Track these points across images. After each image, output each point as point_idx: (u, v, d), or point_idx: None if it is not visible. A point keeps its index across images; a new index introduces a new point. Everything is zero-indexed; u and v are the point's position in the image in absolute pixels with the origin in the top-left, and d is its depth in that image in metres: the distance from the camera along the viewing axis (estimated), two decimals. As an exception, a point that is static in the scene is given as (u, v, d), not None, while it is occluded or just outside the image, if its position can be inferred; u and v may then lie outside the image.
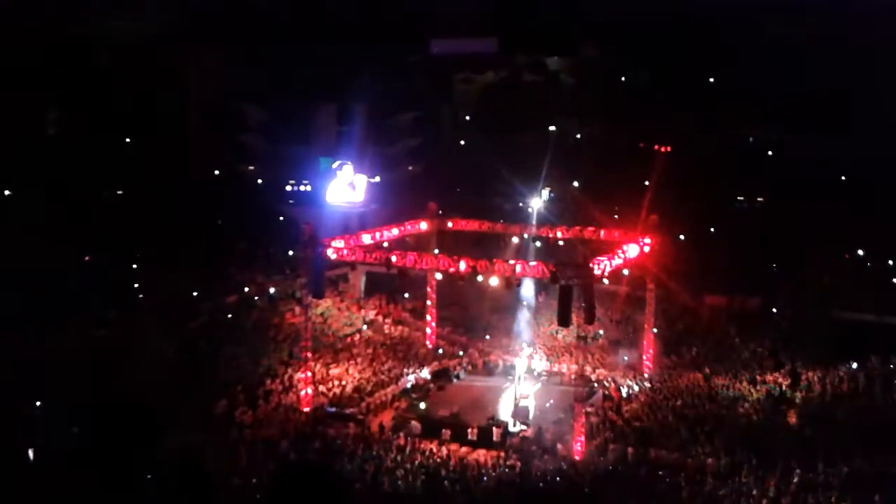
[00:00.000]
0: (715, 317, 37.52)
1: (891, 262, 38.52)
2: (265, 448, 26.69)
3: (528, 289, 37.52)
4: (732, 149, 51.61)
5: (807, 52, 49.96)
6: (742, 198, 48.69)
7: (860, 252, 39.83)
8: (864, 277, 38.05)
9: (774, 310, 37.29)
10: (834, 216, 39.52)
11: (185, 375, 29.65)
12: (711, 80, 58.24)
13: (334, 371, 33.73)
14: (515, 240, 38.11)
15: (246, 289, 38.67)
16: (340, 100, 52.57)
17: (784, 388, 31.11)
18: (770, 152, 51.64)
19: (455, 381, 34.68)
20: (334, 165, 48.40)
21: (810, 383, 31.15)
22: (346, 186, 48.44)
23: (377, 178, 51.00)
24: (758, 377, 32.23)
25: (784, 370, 32.55)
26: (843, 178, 45.44)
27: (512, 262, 30.72)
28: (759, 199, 48.37)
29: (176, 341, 32.64)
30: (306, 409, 30.49)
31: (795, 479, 24.18)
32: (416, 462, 26.55)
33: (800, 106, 49.26)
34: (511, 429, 29.28)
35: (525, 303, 38.43)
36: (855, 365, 31.73)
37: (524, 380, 32.85)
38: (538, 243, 37.46)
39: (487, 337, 38.33)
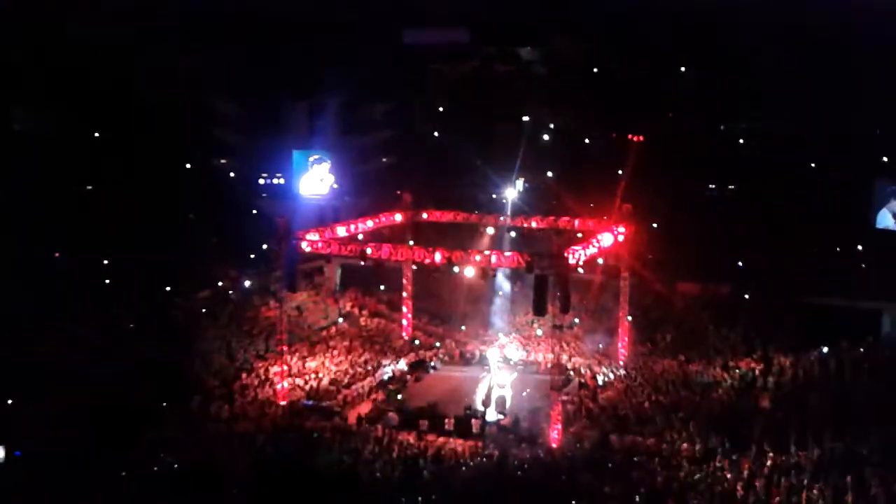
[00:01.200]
0: (688, 304, 37.94)
1: (860, 247, 39.16)
2: (242, 443, 26.65)
3: (503, 279, 37.77)
4: (704, 137, 52.12)
5: (777, 41, 50.55)
6: (713, 186, 49.19)
7: (830, 237, 40.37)
8: (834, 262, 38.64)
9: (746, 296, 37.77)
10: (803, 202, 40.09)
11: (160, 372, 29.45)
12: (683, 69, 58.72)
13: (310, 364, 33.68)
14: (490, 230, 38.19)
15: (220, 283, 38.46)
16: (313, 92, 52.27)
17: (757, 373, 31.59)
18: (741, 140, 52.16)
19: (432, 371, 34.75)
20: (311, 159, 48.23)
21: (782, 368, 31.66)
22: (319, 179, 48.34)
23: (352, 171, 50.85)
24: (731, 363, 32.70)
25: (756, 355, 33.05)
26: (812, 164, 46.05)
27: (487, 252, 30.92)
28: (730, 186, 48.89)
29: (150, 337, 32.43)
30: (283, 403, 30.44)
31: (769, 462, 24.61)
32: (394, 453, 26.63)
33: (770, 94, 49.86)
34: (488, 418, 29.42)
35: (501, 293, 38.64)
36: (826, 349, 32.25)
37: (501, 369, 33.06)
38: (513, 233, 37.61)
39: (463, 327, 38.44)
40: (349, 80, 50.97)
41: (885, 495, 22.34)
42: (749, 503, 23.01)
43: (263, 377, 31.72)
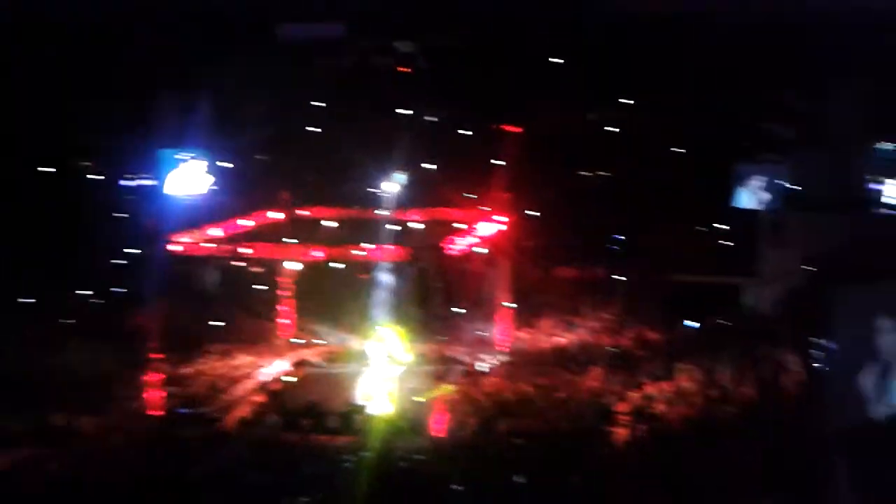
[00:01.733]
0: (565, 288, 38.93)
1: (720, 226, 41.18)
2: (113, 458, 25.44)
3: (386, 272, 37.59)
4: (578, 127, 53.44)
5: (647, 29, 52.21)
6: (587, 172, 50.53)
7: (695, 217, 42.27)
8: (696, 241, 40.53)
9: (620, 277, 39.09)
10: (670, 185, 41.77)
11: (20, 386, 27.81)
12: (560, 61, 59.93)
13: (186, 370, 32.58)
14: (372, 225, 38.00)
15: (83, 290, 36.68)
16: (184, 89, 50.52)
17: (629, 350, 32.82)
18: (612, 128, 53.73)
19: (314, 369, 34.31)
20: (184, 158, 46.56)
21: (652, 344, 33.01)
22: (194, 179, 46.74)
23: (229, 169, 49.49)
24: (605, 342, 33.83)
25: (629, 334, 34.34)
26: (679, 150, 47.90)
27: (369, 246, 30.78)
28: (603, 173, 50.34)
29: (11, 350, 30.63)
30: (156, 413, 29.30)
31: (644, 436, 25.55)
32: (277, 456, 26.10)
33: (640, 84, 51.57)
34: (372, 412, 29.28)
35: (383, 286, 38.45)
36: (692, 323, 33.83)
37: (384, 363, 32.95)
38: (395, 227, 37.54)
39: (347, 323, 38.04)
40: (223, 75, 49.61)
41: (749, 459, 23.51)
42: (626, 475, 23.82)
43: (134, 386, 30.41)
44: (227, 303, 39.70)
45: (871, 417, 23.78)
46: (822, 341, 26.10)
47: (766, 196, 38.88)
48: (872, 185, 38.91)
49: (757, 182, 39.28)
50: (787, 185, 39.38)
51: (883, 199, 38.42)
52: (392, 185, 47.01)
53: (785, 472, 22.41)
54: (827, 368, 25.25)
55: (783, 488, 21.96)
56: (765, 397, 26.86)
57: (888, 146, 39.43)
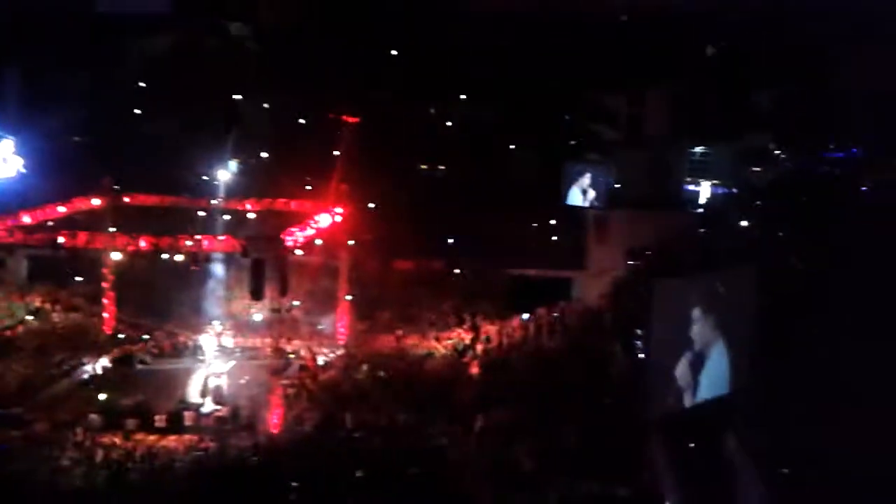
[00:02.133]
0: (404, 280, 39.14)
1: (552, 222, 42.93)
2: None
3: (218, 264, 36.15)
4: (416, 120, 53.81)
5: (485, 26, 53.31)
6: (425, 166, 51.10)
7: (529, 213, 43.78)
8: (532, 236, 42.06)
9: (456, 270, 39.81)
10: (505, 181, 43.05)
11: None
12: (394, 52, 60.01)
13: (-6, 367, 29.85)
14: (202, 214, 36.42)
15: None
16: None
17: (467, 342, 33.48)
18: (449, 123, 54.62)
19: (140, 366, 32.44)
20: None
21: (489, 336, 33.86)
22: (2, 160, 42.64)
23: (40, 151, 45.57)
24: (443, 334, 34.32)
25: (466, 325, 35.04)
26: (512, 146, 49.48)
27: (199, 237, 29.41)
28: (440, 167, 51.10)
29: None
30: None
31: (479, 425, 26.14)
32: (97, 457, 24.46)
33: (475, 78, 52.65)
34: (204, 410, 28.08)
35: (215, 279, 36.96)
36: (526, 315, 35.03)
37: (216, 358, 31.72)
38: (227, 217, 36.18)
39: (175, 317, 36.24)
40: (33, 48, 45.68)
41: (575, 443, 24.69)
42: (463, 464, 24.28)
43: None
44: (41, 295, 36.80)
45: (686, 402, 25.74)
46: (643, 331, 27.88)
47: (593, 194, 40.84)
48: (687, 186, 41.98)
49: (585, 180, 41.16)
50: (612, 184, 41.59)
51: (696, 199, 41.56)
52: (224, 173, 45.26)
53: (607, 455, 23.68)
54: (647, 357, 26.96)
55: (606, 470, 23.21)
56: (590, 384, 28.24)
57: (701, 150, 42.64)
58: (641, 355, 28.33)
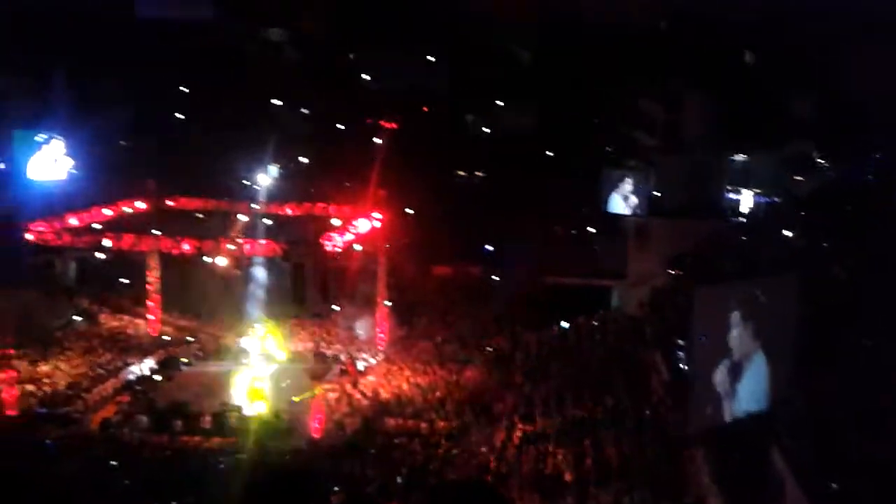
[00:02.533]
0: (442, 287, 39.27)
1: (591, 230, 42.77)
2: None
3: (259, 268, 36.60)
4: (453, 125, 54.03)
5: (520, 34, 53.36)
6: (464, 173, 51.24)
7: (568, 221, 43.68)
8: (570, 244, 41.93)
9: (495, 277, 39.83)
10: (544, 188, 42.94)
11: None
12: (432, 58, 60.34)
13: (43, 368, 30.51)
14: (244, 218, 36.91)
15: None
16: (39, 67, 47.12)
17: (506, 350, 33.46)
18: (487, 129, 54.74)
19: (184, 368, 32.94)
20: (40, 139, 43.28)
21: (528, 344, 33.80)
22: (51, 162, 43.59)
23: (88, 153, 46.51)
24: (482, 342, 34.34)
25: (506, 333, 35.00)
26: (551, 153, 49.38)
27: (241, 241, 29.84)
28: (477, 173, 51.21)
29: None
30: (11, 413, 27.26)
31: (518, 433, 26.14)
32: (145, 458, 24.91)
33: (513, 86, 52.72)
34: (246, 413, 28.45)
35: (257, 282, 37.43)
36: (565, 324, 34.91)
37: (259, 362, 32.10)
38: (268, 221, 36.63)
39: (218, 320, 36.76)
40: (79, 53, 46.61)
41: (617, 454, 24.61)
42: (502, 473, 24.32)
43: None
44: (88, 297, 37.53)
45: (729, 413, 25.47)
46: (684, 341, 27.64)
47: (633, 201, 40.59)
48: (728, 194, 41.50)
49: (624, 187, 40.94)
50: (652, 192, 41.32)
51: (737, 208, 41.05)
52: (265, 177, 45.84)
53: (649, 466, 23.51)
54: (688, 366, 26.72)
55: (647, 482, 23.03)
56: (631, 394, 28.07)
57: (742, 158, 42.13)
58: (683, 365, 28.09)
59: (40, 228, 29.53)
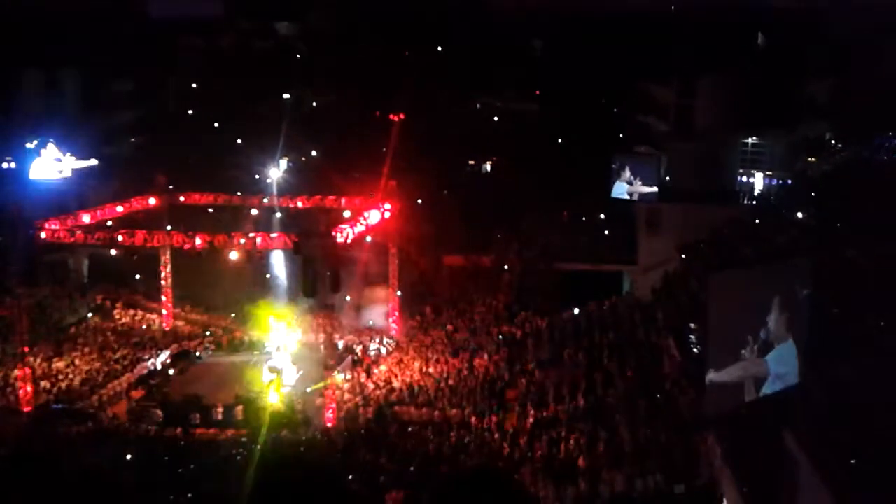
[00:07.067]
0: (454, 276, 39.22)
1: (602, 216, 42.57)
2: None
3: (271, 261, 36.76)
4: (462, 116, 53.86)
5: (526, 20, 53.05)
6: (472, 162, 51.11)
7: (575, 207, 43.51)
8: (579, 231, 41.76)
9: (506, 266, 39.74)
10: (552, 176, 42.78)
11: None
12: (440, 49, 60.14)
13: (58, 364, 30.76)
14: (255, 211, 36.98)
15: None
16: (47, 67, 47.37)
17: (517, 337, 33.38)
18: (496, 118, 54.56)
19: (198, 361, 33.11)
20: (31, 145, 43.55)
21: (540, 330, 33.70)
22: (57, 162, 43.92)
23: (98, 152, 46.80)
24: (494, 329, 34.28)
25: (517, 320, 34.92)
26: (559, 140, 49.18)
27: (252, 234, 29.90)
28: (488, 162, 51.09)
29: None
30: (28, 410, 27.51)
31: (530, 420, 26.11)
32: (160, 451, 25.06)
33: (520, 75, 52.48)
34: (260, 404, 28.55)
35: (269, 275, 37.58)
36: (577, 310, 34.79)
37: (272, 353, 32.21)
38: (279, 214, 36.68)
39: (233, 314, 36.93)
40: (88, 54, 46.78)
41: (630, 438, 24.52)
42: (515, 458, 24.30)
43: (2, 383, 28.42)
44: (102, 293, 37.75)
45: (742, 397, 25.30)
46: (696, 325, 27.46)
47: (644, 186, 40.32)
48: (741, 178, 41.14)
49: (636, 173, 40.65)
50: (664, 176, 41.03)
51: (749, 191, 40.70)
52: (276, 171, 45.94)
53: (662, 450, 23.40)
54: (700, 351, 26.55)
55: (660, 466, 22.93)
56: (643, 379, 27.93)
57: (754, 140, 41.72)
58: (695, 349, 27.93)
59: (53, 226, 29.67)
